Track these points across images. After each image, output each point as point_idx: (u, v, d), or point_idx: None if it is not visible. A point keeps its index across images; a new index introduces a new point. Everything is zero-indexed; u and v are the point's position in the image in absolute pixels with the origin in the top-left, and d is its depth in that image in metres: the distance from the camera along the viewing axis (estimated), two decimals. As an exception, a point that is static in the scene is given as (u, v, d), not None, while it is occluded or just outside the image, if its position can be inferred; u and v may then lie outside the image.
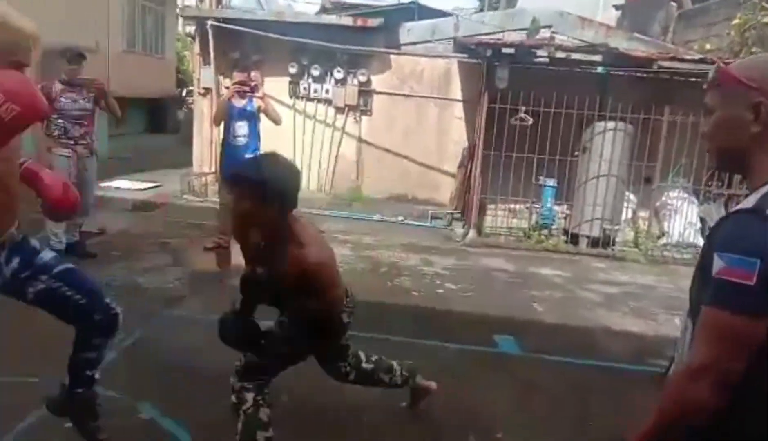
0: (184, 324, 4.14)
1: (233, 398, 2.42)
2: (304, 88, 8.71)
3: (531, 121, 7.01)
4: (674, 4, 10.63)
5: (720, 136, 1.29)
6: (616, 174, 6.99)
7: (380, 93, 8.78)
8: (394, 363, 2.92)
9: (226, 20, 8.42)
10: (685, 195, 7.38)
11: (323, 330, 2.46)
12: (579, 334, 4.55)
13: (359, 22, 8.33)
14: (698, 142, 6.15)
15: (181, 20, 14.46)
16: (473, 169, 7.49)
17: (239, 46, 8.53)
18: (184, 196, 8.40)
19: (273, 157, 2.38)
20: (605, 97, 7.13)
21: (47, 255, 2.28)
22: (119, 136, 11.43)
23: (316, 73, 8.60)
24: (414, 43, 8.63)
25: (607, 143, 6.93)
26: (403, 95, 8.78)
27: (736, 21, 8.03)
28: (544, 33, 8.00)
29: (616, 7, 12.26)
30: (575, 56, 6.92)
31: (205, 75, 8.74)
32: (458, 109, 8.72)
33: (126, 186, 8.80)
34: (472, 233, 7.22)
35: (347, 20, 8.48)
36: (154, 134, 14.17)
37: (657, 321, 4.97)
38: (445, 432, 3.07)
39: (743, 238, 1.12)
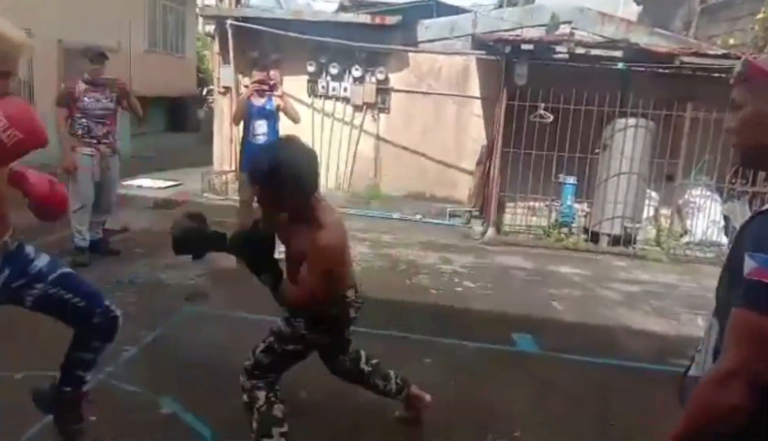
0: (206, 320, 4.19)
1: (245, 398, 2.44)
2: (323, 87, 8.73)
3: (551, 118, 6.95)
4: (697, -2, 10.46)
5: (747, 132, 1.26)
6: (637, 171, 6.90)
7: (398, 91, 8.76)
8: (391, 372, 2.91)
9: (245, 19, 8.48)
10: (708, 193, 7.25)
11: (329, 321, 2.45)
12: (599, 333, 4.50)
13: (377, 20, 8.32)
14: (722, 138, 6.04)
15: (201, 20, 14.56)
16: (492, 166, 7.45)
17: (258, 45, 8.58)
18: (205, 195, 8.49)
19: (288, 140, 2.38)
20: (626, 94, 7.03)
21: (42, 262, 2.26)
22: (141, 135, 11.57)
23: (334, 71, 8.62)
24: (432, 41, 8.60)
25: (628, 140, 6.84)
26: (421, 93, 8.75)
27: (760, 15, 7.89)
28: (564, 29, 7.93)
29: (637, 2, 12.09)
30: (595, 52, 6.82)
31: (224, 74, 8.81)
32: (477, 107, 8.66)
33: (148, 184, 8.92)
34: (490, 231, 7.19)
35: (365, 18, 8.47)
36: (175, 133, 14.33)
37: (679, 320, 4.90)
38: (463, 430, 3.07)
39: None
